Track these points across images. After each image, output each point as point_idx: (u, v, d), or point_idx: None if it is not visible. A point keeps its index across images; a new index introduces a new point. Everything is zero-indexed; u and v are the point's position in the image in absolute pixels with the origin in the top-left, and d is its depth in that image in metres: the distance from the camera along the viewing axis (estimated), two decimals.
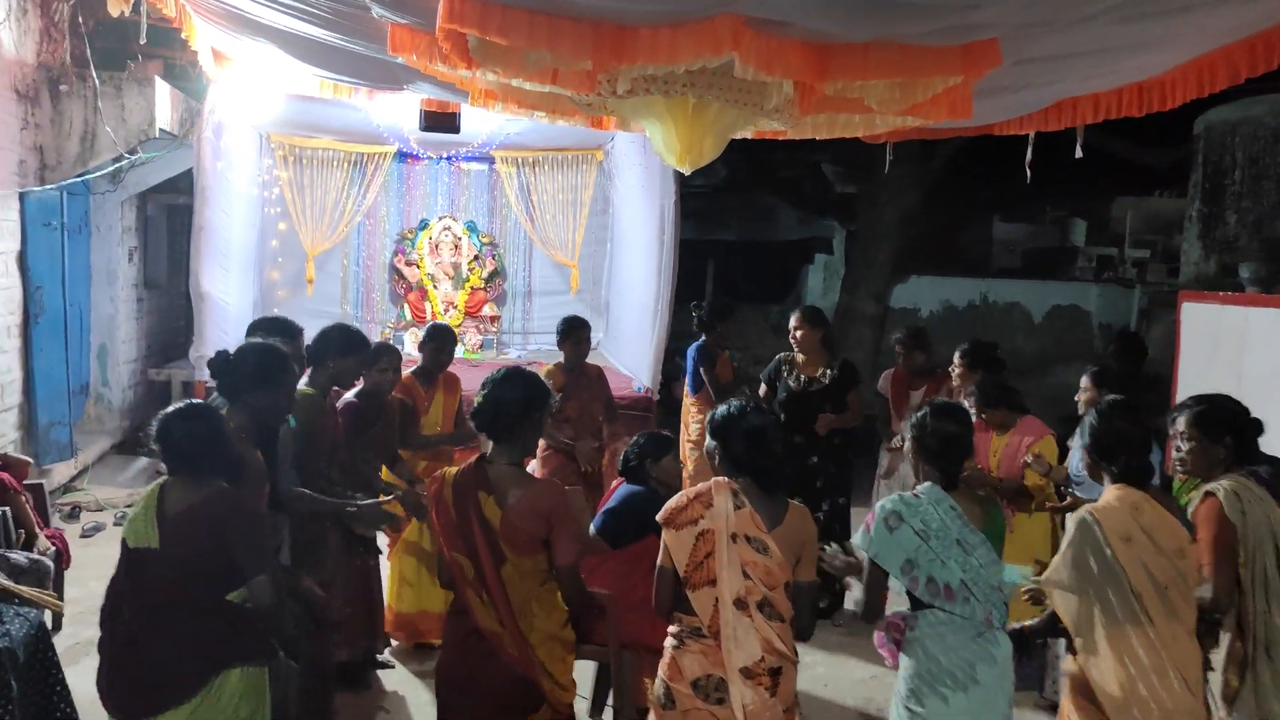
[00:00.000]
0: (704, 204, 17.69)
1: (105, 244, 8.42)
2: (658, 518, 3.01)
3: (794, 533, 2.96)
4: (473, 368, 9.85)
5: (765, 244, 17.52)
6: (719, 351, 6.42)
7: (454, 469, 3.14)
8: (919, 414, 3.19)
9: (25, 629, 3.66)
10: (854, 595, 5.75)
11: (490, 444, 3.11)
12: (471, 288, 10.84)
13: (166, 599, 2.87)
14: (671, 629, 3.00)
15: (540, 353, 10.66)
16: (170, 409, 3.01)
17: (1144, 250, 23.65)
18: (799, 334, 5.83)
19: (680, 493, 3.05)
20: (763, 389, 5.88)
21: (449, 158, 10.71)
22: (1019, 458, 4.91)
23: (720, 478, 3.00)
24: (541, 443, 5.60)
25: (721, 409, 3.10)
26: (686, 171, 5.18)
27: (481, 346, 10.67)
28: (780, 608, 2.87)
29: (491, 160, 10.61)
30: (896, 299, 14.72)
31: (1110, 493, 3.01)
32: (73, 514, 7.07)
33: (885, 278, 12.57)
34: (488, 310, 10.89)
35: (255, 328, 4.00)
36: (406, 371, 5.12)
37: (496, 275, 10.97)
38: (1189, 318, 7.78)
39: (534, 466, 5.72)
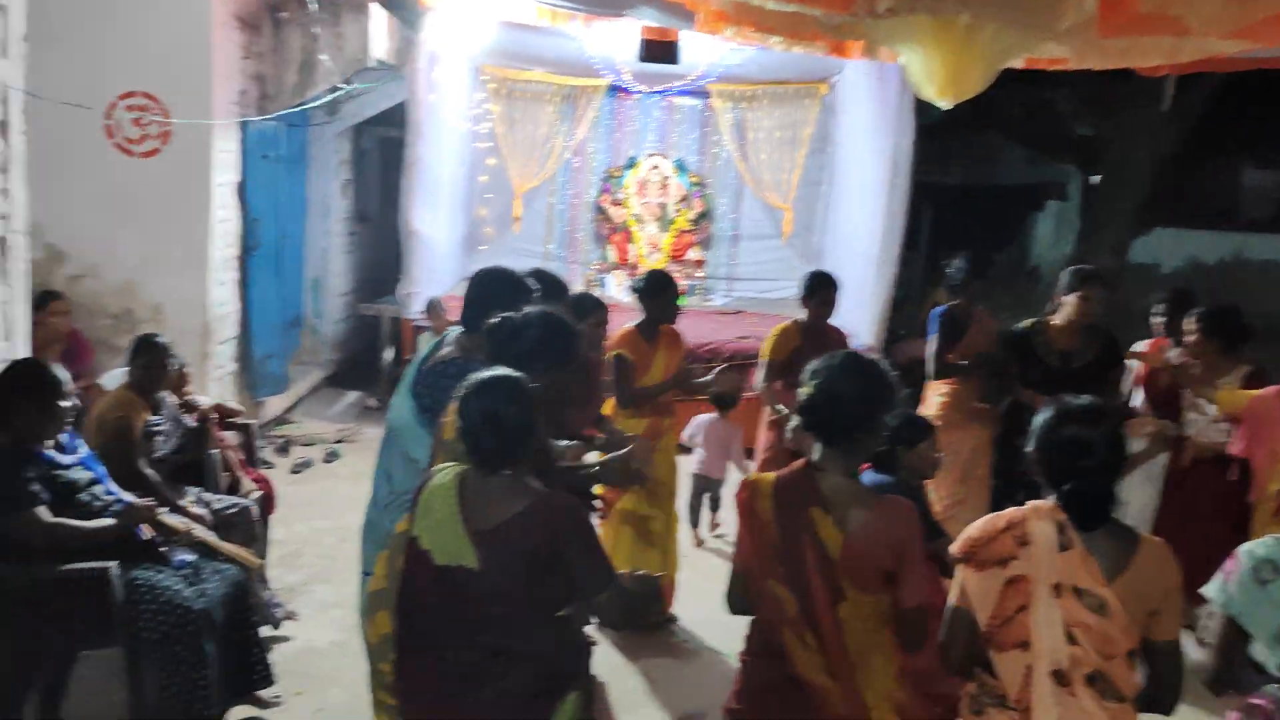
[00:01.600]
0: (921, 143, 16.56)
1: (321, 177, 8.41)
2: (952, 550, 2.38)
3: (1147, 582, 2.25)
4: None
5: (989, 188, 16.24)
6: (970, 318, 5.25)
7: (772, 475, 2.51)
8: None
9: (224, 589, 3.48)
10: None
11: (818, 447, 2.47)
12: (678, 230, 10.37)
13: (500, 627, 2.37)
14: (969, 688, 2.40)
15: (745, 300, 10.12)
16: (481, 383, 2.44)
17: None
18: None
19: (986, 519, 2.37)
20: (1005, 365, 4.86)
21: (661, 92, 10.20)
22: None
23: (1042, 501, 2.34)
24: (766, 409, 5.08)
25: (1043, 414, 2.40)
26: (948, 106, 4.51)
27: (686, 292, 10.21)
28: (1120, 682, 2.20)
29: (706, 95, 10.02)
30: (1135, 254, 13.31)
31: None
32: (284, 448, 7.10)
33: (1127, 228, 11.28)
34: (693, 254, 10.40)
35: (518, 287, 3.25)
36: (629, 324, 4.68)
37: (704, 217, 10.45)
38: None
39: (760, 436, 5.22)
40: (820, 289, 4.92)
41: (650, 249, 10.35)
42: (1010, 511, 2.34)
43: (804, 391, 2.47)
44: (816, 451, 2.48)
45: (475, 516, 2.35)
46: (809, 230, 10.28)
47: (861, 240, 8.25)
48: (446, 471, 2.45)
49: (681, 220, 10.38)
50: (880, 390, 2.45)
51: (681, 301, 10.03)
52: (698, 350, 7.80)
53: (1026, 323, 4.86)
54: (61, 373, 3.37)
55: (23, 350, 3.85)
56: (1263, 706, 2.33)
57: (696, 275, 10.38)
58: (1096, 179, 13.28)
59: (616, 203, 10.43)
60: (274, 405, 7.51)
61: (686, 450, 5.62)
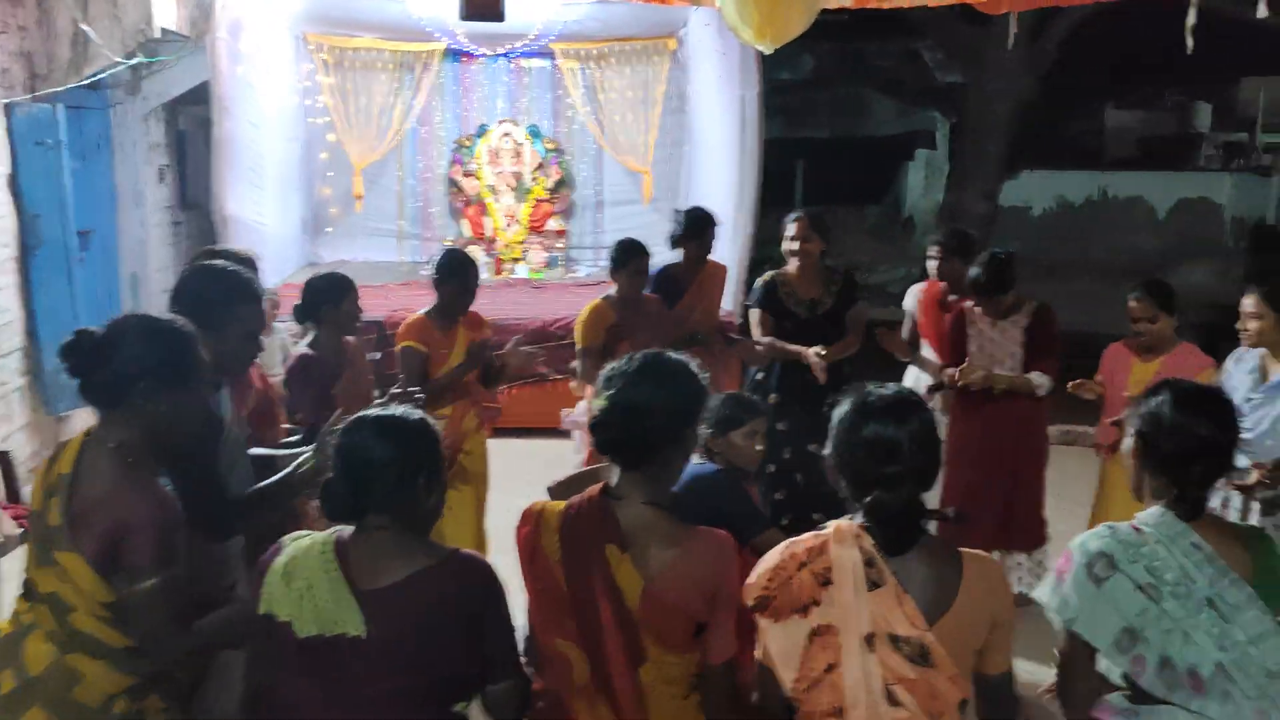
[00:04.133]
0: (791, 99, 16.35)
1: (129, 163, 7.63)
2: (745, 596, 1.93)
3: (976, 614, 1.84)
4: (536, 289, 8.96)
5: (860, 140, 16.14)
6: (694, 277, 4.83)
7: (562, 505, 2.04)
8: (1153, 401, 2.07)
9: None
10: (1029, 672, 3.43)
11: (616, 471, 2.03)
12: (535, 200, 9.87)
13: (387, 706, 1.87)
14: None
15: None
16: (369, 421, 1.93)
17: (1277, 135, 21.46)
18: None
19: (781, 550, 1.90)
20: (757, 319, 4.58)
21: (506, 55, 9.65)
22: None
23: (843, 521, 1.89)
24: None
25: (840, 409, 1.94)
26: (767, 51, 4.13)
27: (548, 265, 9.75)
28: None
29: (553, 55, 9.51)
30: (1005, 197, 13.31)
31: None
32: None
33: (996, 173, 11.23)
34: (554, 224, 9.92)
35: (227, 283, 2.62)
36: (419, 311, 4.17)
37: (563, 185, 9.97)
38: None
39: (578, 439, 4.76)
40: (630, 258, 4.44)
41: (508, 221, 9.84)
42: (808, 538, 1.90)
43: (596, 405, 2.02)
44: (614, 476, 2.03)
45: (362, 576, 1.88)
46: (672, 193, 9.88)
47: (720, 200, 7.88)
48: (308, 538, 1.95)
49: (539, 189, 9.89)
50: (687, 398, 2.03)
51: (541, 275, 9.68)
52: (551, 327, 7.35)
53: (766, 276, 4.62)
54: None
55: None
56: None
57: (558, 246, 9.91)
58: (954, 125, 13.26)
59: (469, 174, 9.88)
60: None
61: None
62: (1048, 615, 2.02)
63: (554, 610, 1.97)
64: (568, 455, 5.13)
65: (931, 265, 4.87)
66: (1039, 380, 4.35)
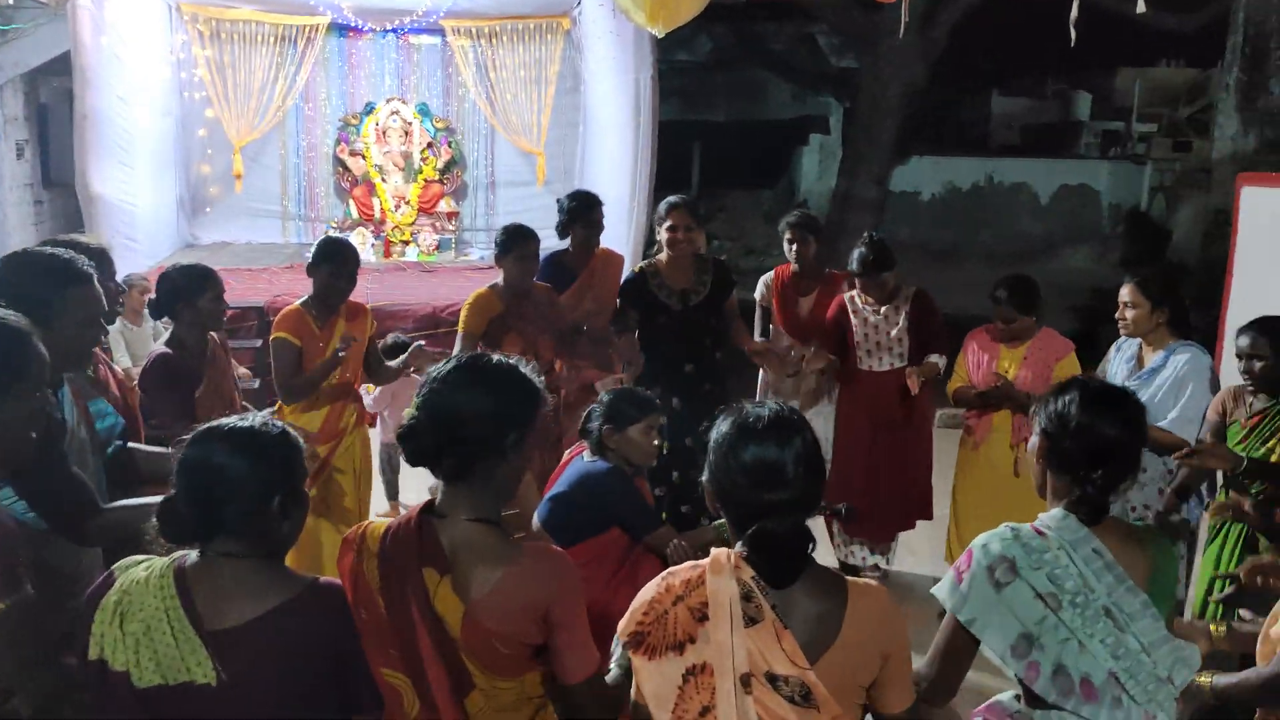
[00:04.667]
0: (688, 82, 16.31)
1: None
2: (619, 632, 1.78)
3: (863, 651, 1.72)
4: (427, 273, 8.72)
5: (756, 124, 16.21)
6: (583, 262, 4.59)
7: (377, 524, 1.85)
8: (1058, 400, 1.99)
9: None
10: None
11: (440, 486, 1.85)
12: (425, 180, 9.59)
13: None
14: None
15: None
16: (221, 432, 1.74)
17: (1151, 125, 22.37)
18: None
19: (657, 582, 1.76)
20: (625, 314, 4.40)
21: (395, 30, 9.34)
22: (1044, 380, 3.94)
23: (720, 551, 1.73)
24: None
25: (717, 430, 1.79)
26: (659, 34, 4.03)
27: (439, 248, 9.49)
28: None
29: (443, 32, 9.24)
30: (896, 182, 13.53)
31: None
32: None
33: (887, 158, 11.34)
34: (445, 206, 9.66)
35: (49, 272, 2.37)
36: (294, 303, 3.93)
37: (454, 165, 9.72)
38: (1250, 203, 6.71)
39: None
40: (515, 244, 4.16)
41: (396, 202, 9.54)
42: (685, 569, 1.75)
43: (406, 413, 1.85)
44: (437, 493, 1.84)
45: (209, 613, 1.67)
46: (567, 175, 9.74)
47: (616, 183, 7.78)
48: (145, 563, 1.73)
49: (429, 169, 9.61)
50: (509, 403, 1.85)
51: (433, 259, 9.41)
52: (443, 313, 7.15)
53: (637, 267, 4.46)
54: None
55: None
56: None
57: (450, 229, 9.66)
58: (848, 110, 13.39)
59: (355, 153, 9.55)
60: None
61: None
62: (943, 606, 1.97)
63: (378, 640, 1.78)
64: None
65: (789, 249, 4.78)
66: (939, 360, 4.40)
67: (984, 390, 4.15)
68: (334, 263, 3.80)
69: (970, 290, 4.45)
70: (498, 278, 4.24)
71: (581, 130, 9.58)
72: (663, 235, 4.34)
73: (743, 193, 15.62)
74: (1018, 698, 1.98)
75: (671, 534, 2.98)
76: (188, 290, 3.36)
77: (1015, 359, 4.16)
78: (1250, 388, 3.38)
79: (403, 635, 1.76)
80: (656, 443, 3.07)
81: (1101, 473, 1.92)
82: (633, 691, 1.77)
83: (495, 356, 1.91)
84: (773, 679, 1.63)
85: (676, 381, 4.27)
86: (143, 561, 1.74)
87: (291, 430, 1.81)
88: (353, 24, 9.02)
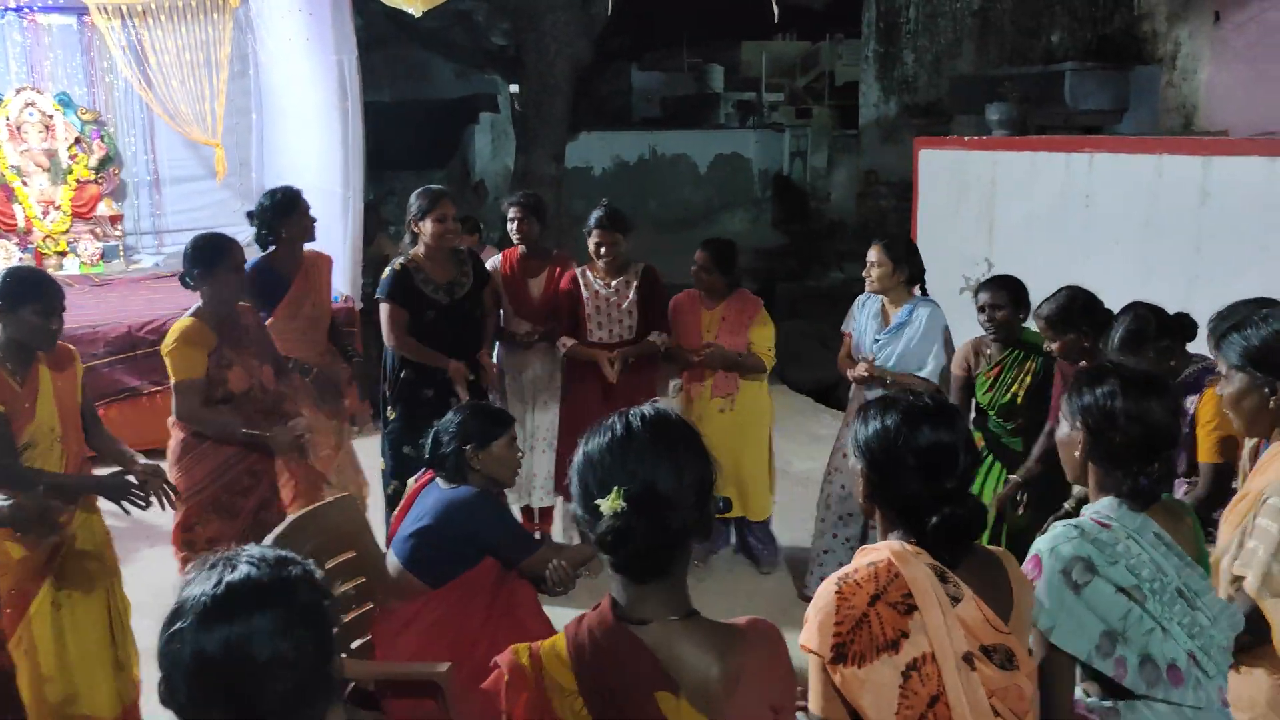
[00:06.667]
0: None
1: None
2: (810, 645, 1.64)
3: (1024, 604, 1.76)
4: (99, 287, 7.67)
5: (422, 104, 15.73)
6: (295, 266, 4.30)
7: (562, 643, 1.53)
8: (1094, 391, 1.95)
9: None
10: None
11: (622, 583, 1.53)
12: (77, 181, 8.40)
13: None
14: None
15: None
16: None
17: (778, 94, 24.31)
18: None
19: (830, 589, 1.65)
20: (388, 314, 4.17)
21: (18, 10, 8.07)
22: (741, 336, 4.53)
23: (894, 542, 1.70)
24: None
25: (873, 419, 1.73)
26: (416, 13, 3.78)
27: (104, 257, 8.38)
28: None
29: (82, 11, 8.09)
30: (569, 158, 13.74)
31: None
32: None
33: (560, 136, 11.39)
34: (104, 209, 8.52)
35: None
36: None
37: (110, 162, 8.58)
38: (928, 164, 7.46)
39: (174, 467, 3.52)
40: (219, 258, 3.42)
41: (44, 208, 8.29)
42: (864, 567, 1.66)
43: (606, 507, 1.50)
44: (615, 588, 1.54)
45: None
46: (247, 167, 8.94)
47: (313, 174, 7.18)
48: None
49: (80, 168, 8.42)
50: (705, 466, 1.57)
51: (100, 269, 8.27)
52: (139, 332, 6.29)
53: (396, 265, 4.18)
54: None
55: None
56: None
57: (114, 234, 8.55)
58: (515, 89, 13.34)
59: None
60: None
61: None
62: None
63: None
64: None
65: (512, 228, 4.70)
66: (659, 338, 4.55)
67: (702, 356, 4.52)
68: (39, 299, 2.91)
69: (643, 257, 4.78)
70: (192, 301, 3.53)
71: (255, 119, 8.82)
72: (428, 227, 4.10)
73: (413, 175, 15.12)
74: (1096, 693, 1.96)
75: (552, 553, 2.78)
76: None
77: (715, 318, 4.55)
78: (992, 336, 3.84)
79: None
80: (520, 454, 2.88)
81: (1156, 459, 1.93)
82: (817, 707, 1.63)
83: (658, 408, 1.62)
84: (986, 651, 1.63)
85: (423, 402, 4.08)
86: None
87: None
88: None
